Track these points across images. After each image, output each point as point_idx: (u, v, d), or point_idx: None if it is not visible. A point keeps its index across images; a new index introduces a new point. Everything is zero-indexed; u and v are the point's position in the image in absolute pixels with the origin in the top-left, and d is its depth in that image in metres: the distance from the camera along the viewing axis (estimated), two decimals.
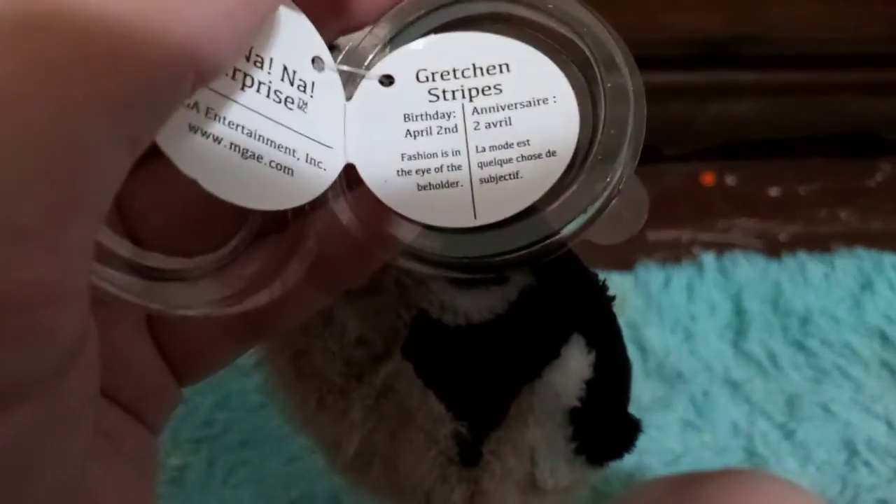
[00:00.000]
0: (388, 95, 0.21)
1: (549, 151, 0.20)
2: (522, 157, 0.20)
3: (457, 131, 0.20)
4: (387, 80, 0.21)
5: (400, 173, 0.20)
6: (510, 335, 0.26)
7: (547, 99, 0.20)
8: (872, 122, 0.75)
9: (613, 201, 0.21)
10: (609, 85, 0.21)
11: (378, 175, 0.20)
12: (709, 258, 0.70)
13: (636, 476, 0.59)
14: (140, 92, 0.14)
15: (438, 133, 0.21)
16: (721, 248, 0.71)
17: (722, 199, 0.75)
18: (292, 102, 0.19)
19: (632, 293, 0.68)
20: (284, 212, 0.20)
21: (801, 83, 0.71)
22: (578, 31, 0.21)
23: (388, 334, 0.27)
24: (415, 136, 0.21)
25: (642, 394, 0.63)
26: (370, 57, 0.22)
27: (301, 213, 0.21)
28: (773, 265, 0.70)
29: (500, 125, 0.20)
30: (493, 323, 0.26)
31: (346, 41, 0.22)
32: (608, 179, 0.20)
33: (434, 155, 0.20)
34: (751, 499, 0.40)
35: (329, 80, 0.21)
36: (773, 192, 0.76)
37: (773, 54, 0.69)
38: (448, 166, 0.20)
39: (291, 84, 0.19)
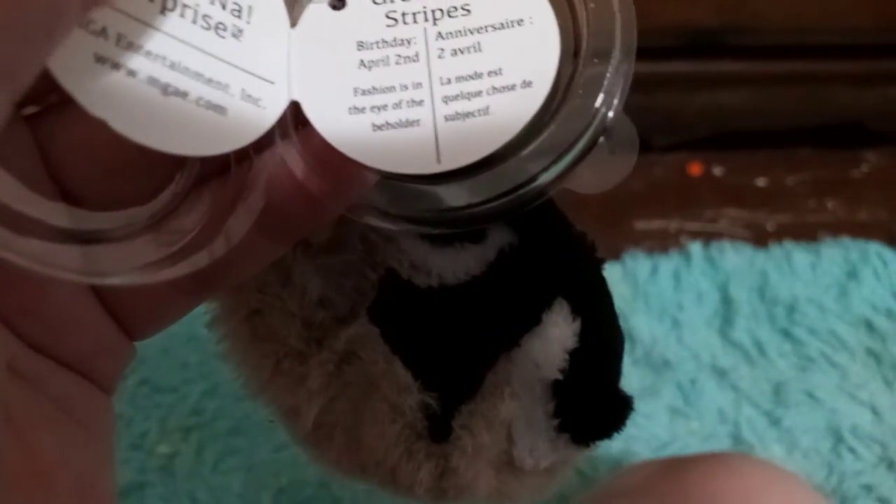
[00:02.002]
0: (339, 20, 0.18)
1: (524, 82, 0.17)
2: (493, 88, 0.17)
3: (418, 60, 0.18)
4: (338, 2, 0.18)
5: (352, 111, 0.18)
6: (487, 299, 0.24)
7: (522, 20, 0.18)
8: (859, 113, 0.76)
9: (599, 142, 0.18)
10: (592, 5, 0.18)
11: (327, 114, 0.18)
12: (696, 247, 0.70)
13: (623, 462, 0.59)
14: None
15: (397, 63, 0.18)
16: (708, 237, 0.72)
17: (709, 189, 0.76)
18: (224, 29, 0.17)
19: (619, 282, 0.68)
20: (226, 156, 0.18)
21: (789, 73, 0.72)
22: None
23: (353, 295, 0.25)
24: (369, 67, 0.18)
25: (630, 381, 0.63)
26: None
27: (245, 156, 0.18)
28: (759, 254, 0.70)
29: (468, 52, 0.18)
30: (469, 285, 0.24)
31: None
32: (592, 115, 0.18)
33: (392, 89, 0.18)
34: (736, 481, 0.41)
35: (269, 3, 0.18)
36: (761, 182, 0.77)
37: (760, 45, 0.69)
38: (408, 101, 0.18)
39: (223, 8, 0.17)
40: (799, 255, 0.70)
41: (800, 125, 0.77)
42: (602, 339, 0.25)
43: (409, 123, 0.18)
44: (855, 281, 0.69)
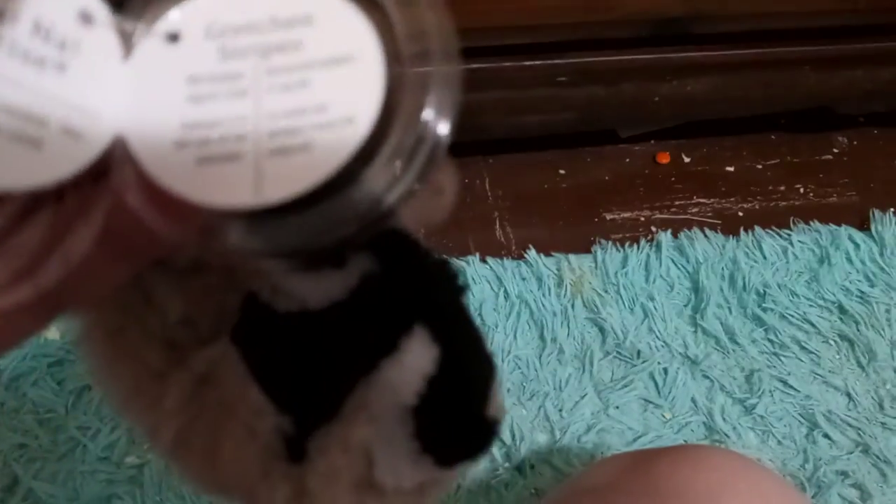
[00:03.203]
0: (171, 55, 0.18)
1: (346, 119, 0.17)
2: (317, 125, 0.17)
3: (245, 95, 0.18)
4: (172, 37, 0.18)
5: (177, 145, 0.18)
6: (347, 324, 0.24)
7: (351, 57, 0.18)
8: (826, 97, 0.75)
9: (431, 166, 0.18)
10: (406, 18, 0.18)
11: (152, 148, 0.18)
12: (666, 237, 0.70)
13: (597, 456, 0.59)
14: None
15: (226, 98, 0.18)
16: (678, 226, 0.71)
17: (678, 178, 0.75)
18: (45, 64, 0.16)
19: (590, 274, 0.67)
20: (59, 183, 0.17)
21: (755, 59, 0.71)
22: None
23: (215, 316, 0.25)
24: (198, 102, 0.18)
25: (602, 373, 0.63)
26: (155, 9, 0.19)
27: (80, 184, 0.18)
28: (730, 242, 0.70)
29: (296, 88, 0.18)
30: (330, 310, 0.24)
31: None
32: (423, 131, 0.18)
33: (218, 123, 0.18)
34: (701, 474, 0.40)
35: (100, 37, 0.18)
36: (730, 169, 0.76)
37: (725, 32, 0.69)
38: (233, 136, 0.17)
39: (46, 42, 0.16)
40: (770, 241, 0.70)
41: (768, 111, 0.76)
42: (463, 366, 0.25)
43: (232, 157, 0.17)
44: (827, 265, 0.69)
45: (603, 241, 0.70)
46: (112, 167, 0.18)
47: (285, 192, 0.17)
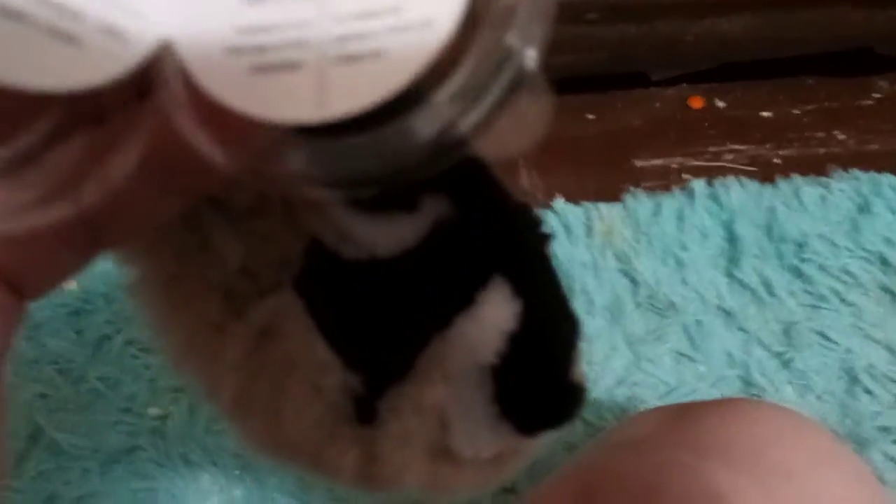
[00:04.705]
0: None
1: (423, 22, 0.15)
2: (390, 28, 0.15)
3: None
4: None
5: (231, 52, 0.16)
6: (419, 275, 0.22)
7: None
8: (868, 38, 0.72)
9: (512, 95, 0.16)
10: None
11: (202, 54, 0.16)
12: (699, 185, 0.68)
13: (629, 409, 0.57)
14: None
15: None
16: (712, 174, 0.69)
17: (712, 123, 0.73)
18: None
19: (620, 223, 0.65)
20: (100, 98, 0.16)
21: None
22: None
23: (277, 265, 0.23)
24: (254, 2, 0.16)
25: (634, 325, 0.61)
26: None
27: (124, 101, 0.17)
28: (766, 190, 0.67)
29: None
30: (401, 259, 0.22)
31: None
32: (507, 53, 0.16)
33: (277, 27, 0.16)
34: (747, 428, 0.39)
35: None
36: (766, 114, 0.74)
37: None
38: (294, 42, 0.16)
39: None
40: (808, 189, 0.68)
41: (806, 53, 0.73)
42: (546, 323, 0.24)
43: (293, 66, 0.15)
44: (867, 215, 0.66)
45: (633, 189, 0.68)
46: (158, 81, 0.16)
47: (352, 105, 0.15)
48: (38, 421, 0.57)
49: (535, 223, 0.24)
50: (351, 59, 0.15)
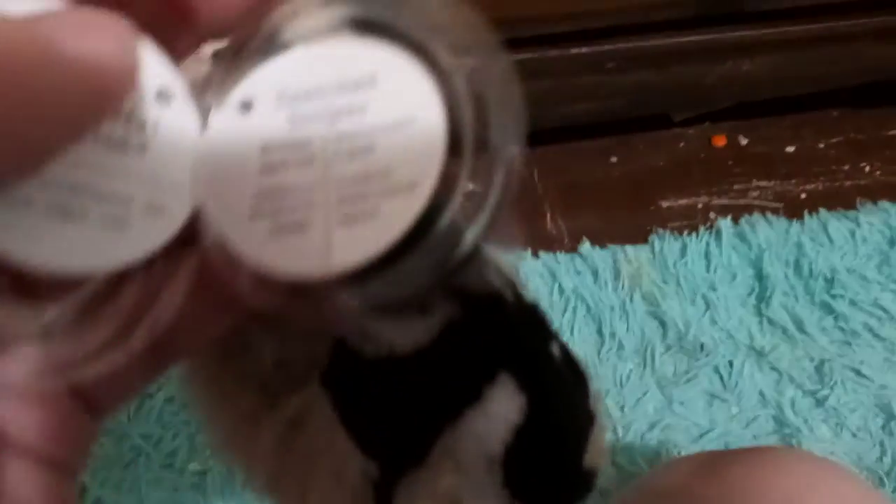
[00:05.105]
0: (245, 124, 0.19)
1: (409, 183, 0.17)
2: (382, 191, 0.17)
3: (313, 164, 0.18)
4: (245, 107, 0.19)
5: (252, 217, 0.18)
6: (431, 371, 0.24)
7: (412, 117, 0.18)
8: (890, 69, 0.72)
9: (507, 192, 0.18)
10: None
11: (228, 219, 0.18)
12: (726, 223, 0.68)
13: (662, 454, 0.57)
14: None
15: (296, 166, 0.18)
16: (738, 211, 0.69)
17: (736, 160, 0.73)
18: (127, 146, 0.17)
19: (648, 265, 0.66)
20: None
21: (812, 35, 0.68)
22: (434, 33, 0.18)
23: (306, 360, 0.25)
24: (270, 171, 0.18)
25: (664, 367, 0.61)
26: (230, 81, 0.19)
27: (169, 250, 0.19)
28: (794, 226, 0.67)
29: (362, 153, 0.18)
30: (415, 356, 0.24)
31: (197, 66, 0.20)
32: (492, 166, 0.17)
33: (288, 192, 0.18)
34: (780, 479, 0.39)
35: (178, 113, 0.18)
36: (790, 149, 0.74)
37: (780, 8, 0.66)
38: (303, 205, 0.18)
39: (128, 124, 0.17)
40: (836, 223, 0.67)
41: (829, 87, 0.73)
42: (553, 416, 0.25)
43: (303, 227, 0.18)
44: None
45: (660, 231, 0.68)
46: (197, 235, 0.18)
47: (353, 260, 0.17)
48: (84, 479, 0.58)
49: (540, 322, 0.25)
50: (351, 218, 0.17)
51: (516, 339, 0.25)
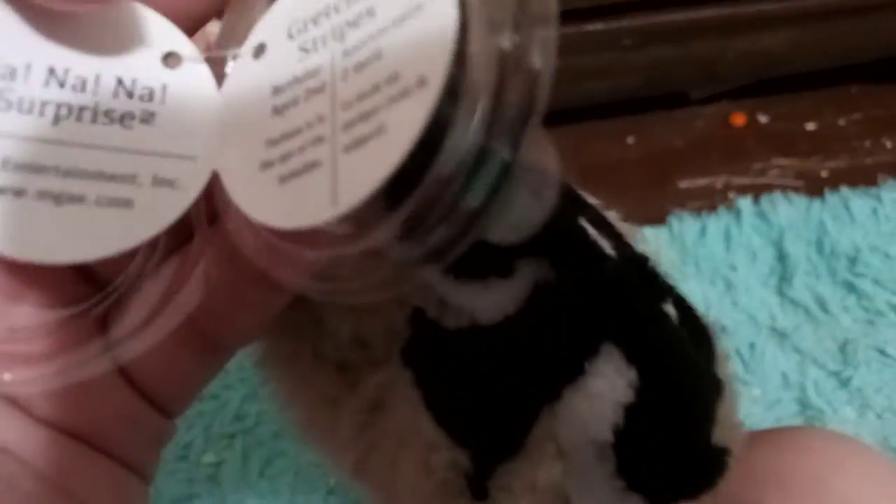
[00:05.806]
0: (258, 69, 0.17)
1: (419, 79, 0.15)
2: (390, 98, 0.15)
3: (323, 91, 0.16)
4: (259, 50, 0.17)
5: (263, 167, 0.16)
6: (522, 342, 0.20)
7: (420, 3, 0.15)
8: None
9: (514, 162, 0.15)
10: None
11: (241, 176, 0.16)
12: (746, 203, 0.66)
13: None
14: None
15: (305, 99, 0.16)
16: (758, 190, 0.67)
17: (755, 139, 0.71)
18: (132, 118, 0.16)
19: (666, 246, 0.65)
20: (188, 228, 0.17)
21: (833, 7, 0.67)
22: None
23: (385, 335, 0.22)
24: (282, 112, 0.16)
25: None
26: (238, 33, 0.18)
27: (200, 224, 0.18)
28: (815, 204, 0.66)
29: (370, 63, 0.16)
30: (502, 326, 0.20)
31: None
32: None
33: (298, 131, 0.16)
34: (805, 459, 0.38)
35: (189, 74, 0.17)
36: (810, 126, 0.72)
37: None
38: (311, 141, 0.16)
39: (130, 97, 0.16)
40: (857, 201, 0.66)
41: (849, 62, 0.72)
42: (672, 390, 0.21)
43: (311, 167, 0.16)
44: None
45: (678, 211, 0.67)
46: (220, 208, 0.17)
47: (359, 194, 0.15)
48: None
49: (650, 277, 0.22)
50: (357, 143, 0.15)
51: (620, 302, 0.21)
